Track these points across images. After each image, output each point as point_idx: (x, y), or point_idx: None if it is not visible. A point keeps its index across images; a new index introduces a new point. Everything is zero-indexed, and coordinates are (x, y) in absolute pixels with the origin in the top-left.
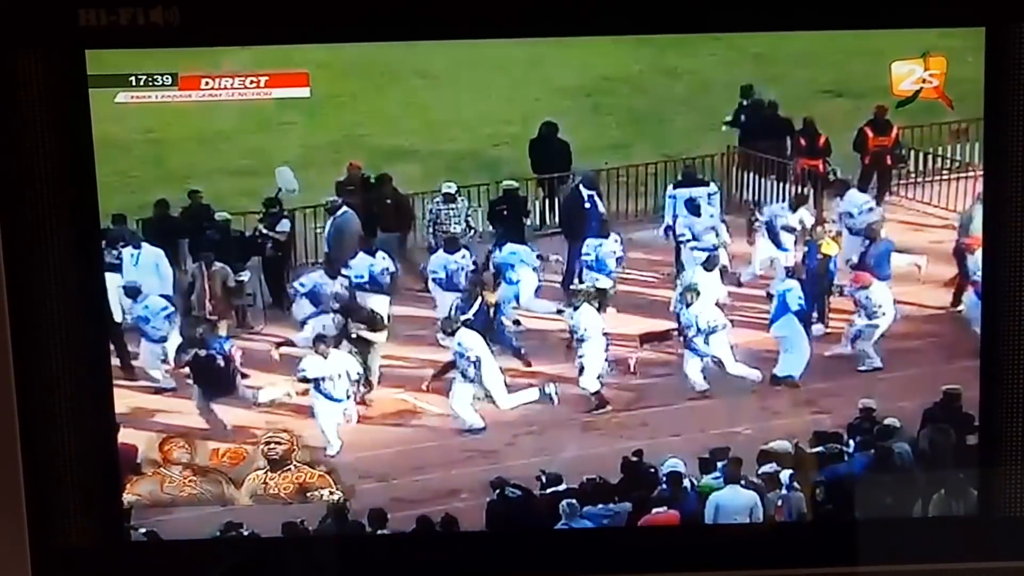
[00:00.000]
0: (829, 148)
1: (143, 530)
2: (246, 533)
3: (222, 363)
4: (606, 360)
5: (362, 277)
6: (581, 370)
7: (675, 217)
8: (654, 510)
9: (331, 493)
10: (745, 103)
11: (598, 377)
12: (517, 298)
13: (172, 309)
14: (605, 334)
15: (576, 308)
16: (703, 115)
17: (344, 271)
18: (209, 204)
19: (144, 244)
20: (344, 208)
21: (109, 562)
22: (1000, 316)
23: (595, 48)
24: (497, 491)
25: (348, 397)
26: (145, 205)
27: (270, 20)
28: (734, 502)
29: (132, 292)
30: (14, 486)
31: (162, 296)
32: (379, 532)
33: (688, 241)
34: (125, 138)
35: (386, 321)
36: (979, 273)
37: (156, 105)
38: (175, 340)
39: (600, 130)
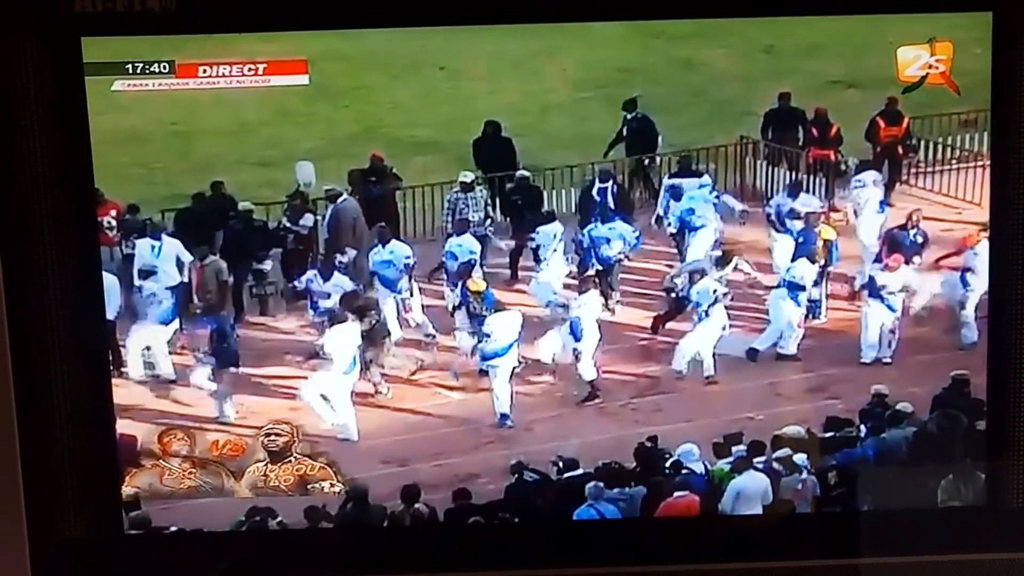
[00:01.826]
0: (840, 138)
1: (165, 523)
2: (259, 519)
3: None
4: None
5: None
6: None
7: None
8: (676, 494)
9: (332, 485)
10: (628, 116)
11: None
12: None
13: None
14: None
15: (583, 292)
16: (716, 106)
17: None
18: (232, 195)
19: (164, 236)
20: (344, 196)
21: (108, 555)
22: (1008, 305)
23: (610, 40)
24: (516, 476)
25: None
26: (165, 197)
27: (269, 6)
28: (751, 487)
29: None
30: (12, 479)
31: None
32: (413, 507)
33: (669, 226)
34: (146, 129)
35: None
36: None
37: (173, 94)
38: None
39: (615, 121)
